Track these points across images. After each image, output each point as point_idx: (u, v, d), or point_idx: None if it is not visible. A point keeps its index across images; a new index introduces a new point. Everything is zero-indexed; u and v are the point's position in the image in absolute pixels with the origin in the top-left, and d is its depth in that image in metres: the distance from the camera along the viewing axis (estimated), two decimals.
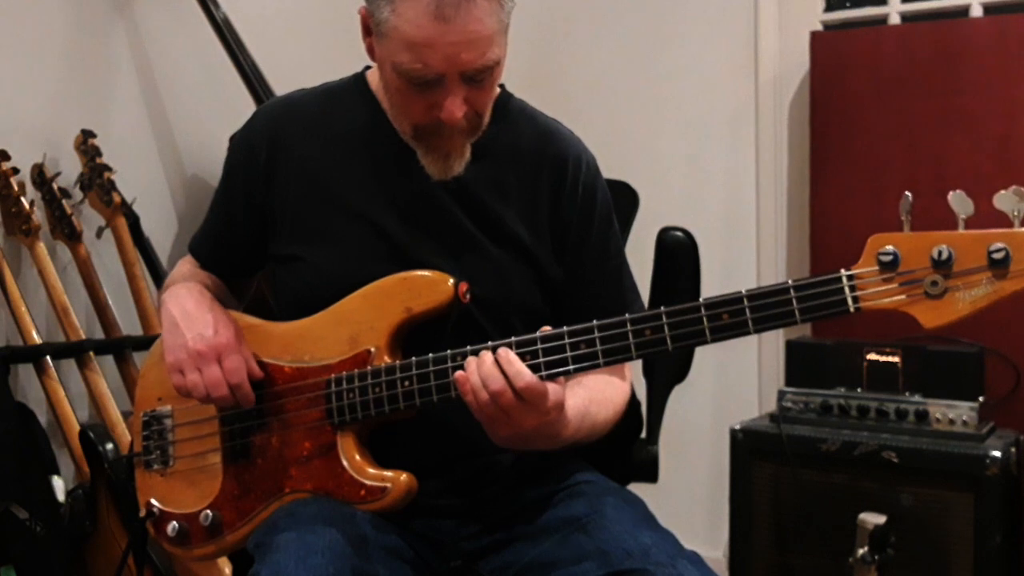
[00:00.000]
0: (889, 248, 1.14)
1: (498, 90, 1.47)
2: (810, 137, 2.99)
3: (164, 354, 1.38)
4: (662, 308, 1.22)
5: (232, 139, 1.55)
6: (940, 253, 1.11)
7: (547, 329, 1.25)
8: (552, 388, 1.21)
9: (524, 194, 1.43)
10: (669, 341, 1.21)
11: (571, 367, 1.24)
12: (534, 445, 1.26)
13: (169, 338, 1.37)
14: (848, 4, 3.14)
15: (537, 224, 1.43)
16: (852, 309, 1.15)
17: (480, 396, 1.20)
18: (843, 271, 1.15)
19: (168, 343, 1.37)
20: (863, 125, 2.88)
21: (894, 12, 3.04)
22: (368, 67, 1.47)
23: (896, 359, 2.41)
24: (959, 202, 1.13)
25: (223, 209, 1.52)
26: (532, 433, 1.23)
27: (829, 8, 3.16)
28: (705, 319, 1.20)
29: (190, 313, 1.37)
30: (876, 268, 1.14)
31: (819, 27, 3.11)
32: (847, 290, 1.15)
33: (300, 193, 1.43)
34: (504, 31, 1.29)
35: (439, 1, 1.21)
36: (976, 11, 2.90)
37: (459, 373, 1.22)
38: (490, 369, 1.20)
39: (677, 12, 3.29)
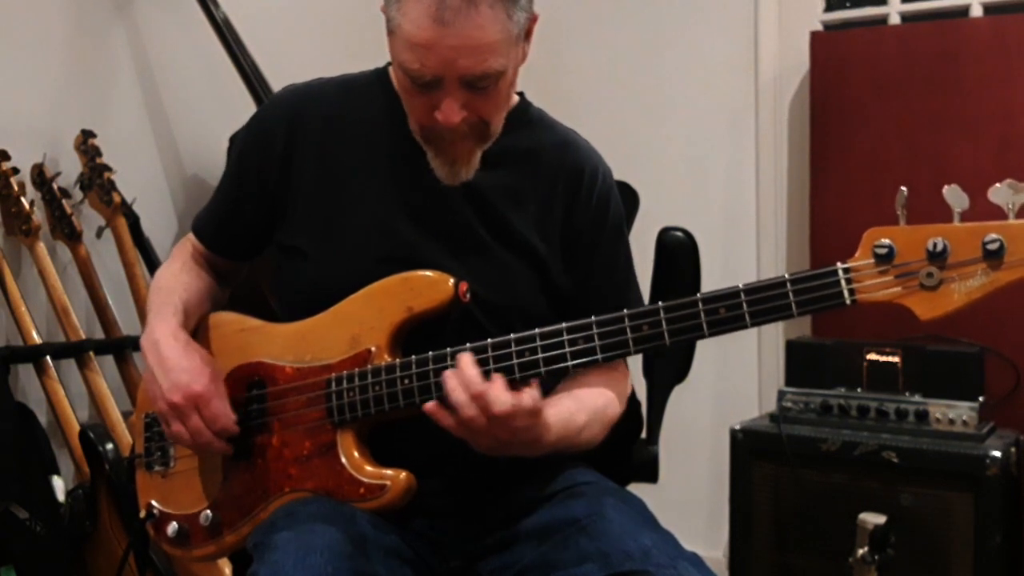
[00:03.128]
0: (885, 241, 1.14)
1: (516, 99, 1.48)
2: (810, 137, 2.99)
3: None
4: (659, 303, 1.23)
5: (234, 135, 1.55)
6: (935, 245, 1.12)
7: None
8: (527, 397, 1.21)
9: (539, 202, 1.44)
10: (667, 335, 1.22)
11: (570, 363, 1.25)
12: (514, 452, 1.27)
13: (149, 388, 1.39)
14: (848, 4, 3.14)
15: (549, 232, 1.44)
16: (848, 302, 1.16)
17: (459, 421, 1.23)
18: (839, 264, 1.16)
19: (150, 393, 1.39)
20: (863, 125, 2.88)
21: (894, 12, 3.04)
22: (390, 63, 1.47)
23: (896, 359, 2.41)
24: (954, 196, 1.14)
25: (232, 192, 1.52)
26: (511, 441, 1.24)
27: (829, 8, 3.16)
28: (702, 313, 1.20)
29: (165, 361, 1.37)
30: (872, 261, 1.15)
31: (819, 27, 3.11)
32: (843, 283, 1.16)
33: (314, 183, 1.43)
34: (512, 41, 1.28)
35: (440, 4, 1.21)
36: (976, 11, 2.90)
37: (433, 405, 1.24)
38: (463, 398, 1.22)
39: (677, 12, 3.29)
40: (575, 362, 1.25)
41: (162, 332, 1.40)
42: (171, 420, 1.35)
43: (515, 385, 1.24)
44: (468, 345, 1.27)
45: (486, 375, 1.25)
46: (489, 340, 1.27)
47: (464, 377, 1.23)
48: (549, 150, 1.46)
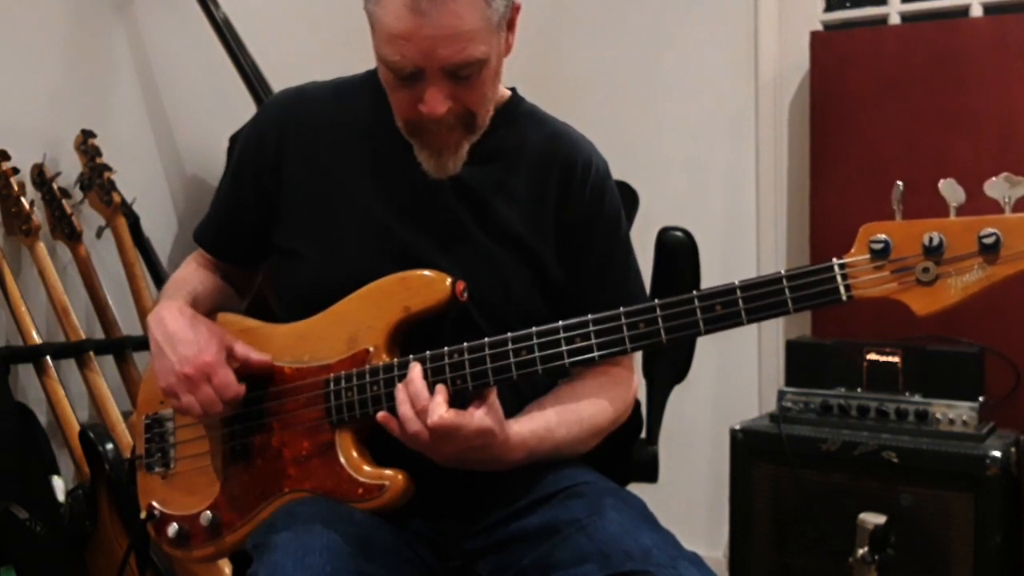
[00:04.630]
0: (880, 236, 1.14)
1: (508, 93, 1.48)
2: (810, 137, 2.99)
3: (156, 379, 1.39)
4: (656, 301, 1.23)
5: (234, 135, 1.55)
6: (931, 240, 1.11)
7: None
8: (476, 416, 1.22)
9: (531, 196, 1.43)
10: (663, 333, 1.22)
11: (566, 360, 1.25)
12: (477, 467, 1.28)
13: (158, 364, 1.38)
14: (848, 4, 3.14)
15: (542, 226, 1.43)
16: (844, 298, 1.15)
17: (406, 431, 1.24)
18: (835, 260, 1.16)
19: (157, 369, 1.38)
20: (863, 125, 2.88)
21: (894, 12, 3.05)
22: None
23: (896, 359, 2.41)
24: (950, 190, 1.13)
25: (231, 196, 1.53)
26: (466, 457, 1.25)
27: (829, 8, 3.16)
28: (698, 311, 1.20)
29: (172, 335, 1.37)
30: (868, 256, 1.14)
31: (819, 27, 3.11)
32: (839, 279, 1.15)
33: (306, 186, 1.44)
34: (493, 29, 1.28)
35: None
36: (976, 11, 2.90)
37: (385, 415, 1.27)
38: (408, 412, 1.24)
39: (677, 12, 3.30)
40: (572, 360, 1.25)
41: (168, 308, 1.41)
42: (181, 393, 1.35)
43: (476, 392, 1.25)
44: (465, 344, 1.27)
45: (483, 374, 1.26)
46: (486, 339, 1.27)
47: (411, 390, 1.24)
48: (541, 143, 1.46)
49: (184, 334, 1.37)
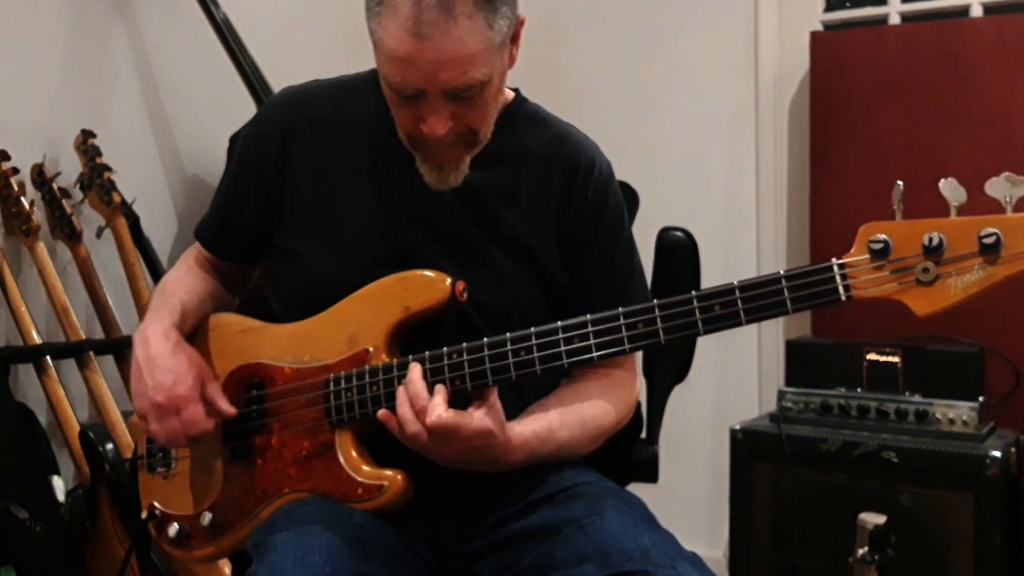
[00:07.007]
0: (880, 236, 1.14)
1: (511, 95, 1.47)
2: (810, 137, 2.99)
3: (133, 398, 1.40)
4: (654, 301, 1.23)
5: (234, 135, 1.55)
6: (931, 240, 1.11)
7: None
8: (476, 417, 1.22)
9: (534, 199, 1.43)
10: (662, 333, 1.22)
11: (564, 361, 1.25)
12: (477, 468, 1.28)
13: (135, 384, 1.39)
14: (848, 4, 3.14)
15: (545, 229, 1.43)
16: (844, 298, 1.15)
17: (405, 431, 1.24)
18: (834, 260, 1.15)
19: (133, 389, 1.39)
20: (863, 125, 2.88)
21: (894, 12, 3.04)
22: None
23: (896, 359, 2.41)
24: (951, 189, 1.13)
25: (231, 194, 1.52)
26: (466, 458, 1.25)
27: (829, 8, 3.16)
28: (697, 311, 1.20)
29: (153, 359, 1.37)
30: (867, 256, 1.14)
31: (819, 27, 3.11)
32: (838, 279, 1.15)
33: (308, 187, 1.44)
34: (495, 50, 1.26)
35: (417, 18, 1.20)
36: (976, 11, 2.90)
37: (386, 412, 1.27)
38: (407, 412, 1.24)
39: (677, 12, 3.29)
40: (570, 360, 1.25)
41: (153, 330, 1.40)
42: (150, 419, 1.36)
43: (477, 393, 1.25)
44: (464, 345, 1.27)
45: (482, 375, 1.26)
46: (485, 339, 1.27)
47: (410, 391, 1.24)
48: (543, 145, 1.45)
49: (164, 361, 1.36)
